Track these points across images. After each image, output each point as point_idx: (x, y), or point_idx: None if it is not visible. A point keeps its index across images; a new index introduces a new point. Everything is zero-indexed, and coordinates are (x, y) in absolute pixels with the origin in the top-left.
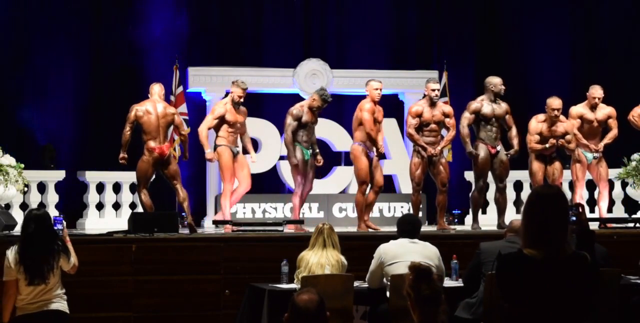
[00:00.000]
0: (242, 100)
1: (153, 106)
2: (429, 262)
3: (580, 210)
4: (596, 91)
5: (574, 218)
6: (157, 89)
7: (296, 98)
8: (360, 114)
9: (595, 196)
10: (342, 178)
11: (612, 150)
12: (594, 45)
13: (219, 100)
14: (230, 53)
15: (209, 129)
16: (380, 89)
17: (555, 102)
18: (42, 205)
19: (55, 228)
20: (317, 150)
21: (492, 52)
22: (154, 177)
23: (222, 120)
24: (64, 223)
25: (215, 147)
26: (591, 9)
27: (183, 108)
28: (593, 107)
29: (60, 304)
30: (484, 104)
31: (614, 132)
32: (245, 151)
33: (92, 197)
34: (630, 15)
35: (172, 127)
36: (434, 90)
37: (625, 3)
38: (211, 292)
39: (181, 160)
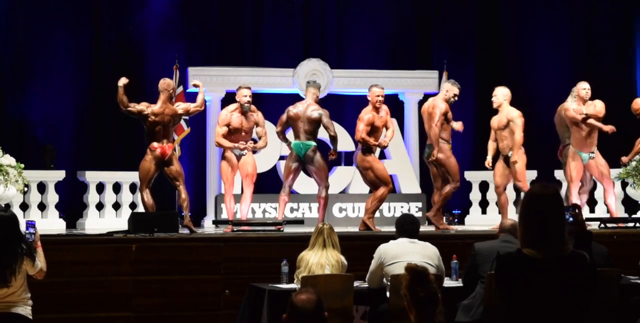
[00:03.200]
0: (249, 102)
1: (162, 112)
2: (429, 262)
3: (577, 210)
4: (583, 84)
5: (571, 219)
6: (165, 87)
7: (296, 98)
8: (357, 124)
9: (596, 196)
10: (342, 178)
11: (612, 150)
12: (594, 45)
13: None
14: (230, 53)
15: (224, 137)
16: (382, 95)
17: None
18: (42, 205)
19: (27, 231)
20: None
21: (492, 52)
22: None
23: (228, 126)
24: (37, 227)
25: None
26: (591, 9)
27: None
28: (583, 103)
29: (23, 309)
30: None
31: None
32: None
33: (92, 197)
34: (629, 15)
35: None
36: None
37: (625, 3)
38: (211, 292)
39: (182, 159)
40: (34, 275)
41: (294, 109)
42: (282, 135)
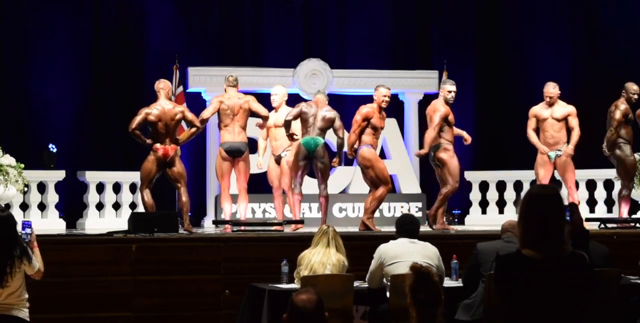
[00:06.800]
0: None
1: (162, 111)
2: (429, 262)
3: (574, 210)
4: (548, 89)
5: (568, 218)
6: (162, 86)
7: (296, 98)
8: (355, 116)
9: (596, 196)
10: (342, 178)
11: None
12: (594, 45)
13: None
14: (230, 53)
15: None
16: (389, 96)
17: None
18: (42, 205)
19: (24, 232)
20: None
21: (492, 52)
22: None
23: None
24: (33, 227)
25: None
26: (591, 9)
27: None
28: (550, 105)
29: (21, 311)
30: None
31: (576, 132)
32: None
33: (92, 197)
34: (630, 15)
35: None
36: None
37: (625, 2)
38: (211, 292)
39: (182, 159)
40: (32, 276)
41: (307, 108)
42: (290, 124)
